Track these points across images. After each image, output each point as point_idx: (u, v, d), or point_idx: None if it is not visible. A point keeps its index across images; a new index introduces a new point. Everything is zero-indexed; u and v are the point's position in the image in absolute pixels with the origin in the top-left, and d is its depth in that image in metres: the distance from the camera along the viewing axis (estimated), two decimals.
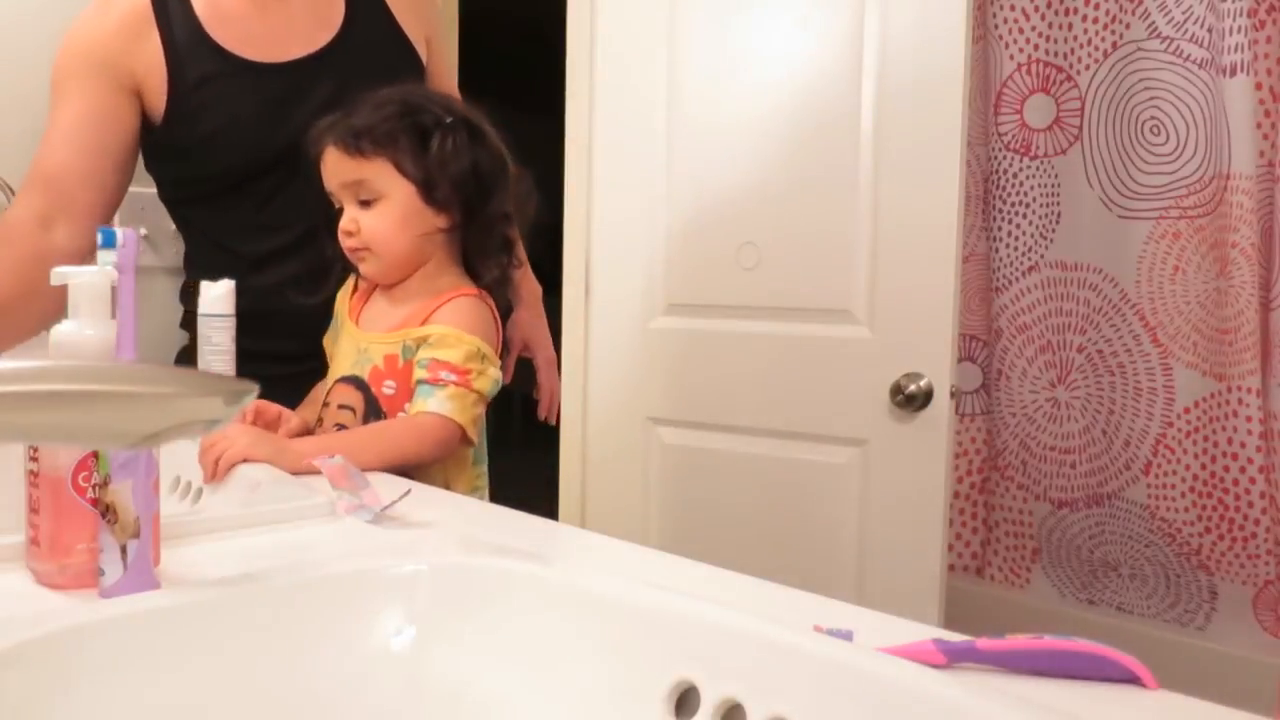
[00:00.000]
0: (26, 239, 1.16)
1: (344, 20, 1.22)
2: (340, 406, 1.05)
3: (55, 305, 0.91)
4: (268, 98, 1.18)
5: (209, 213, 1.26)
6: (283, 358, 1.15)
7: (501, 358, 1.14)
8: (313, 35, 1.21)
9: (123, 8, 1.18)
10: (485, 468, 1.10)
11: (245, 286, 1.09)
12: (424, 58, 1.28)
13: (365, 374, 1.04)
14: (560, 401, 1.54)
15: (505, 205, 1.05)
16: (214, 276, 1.11)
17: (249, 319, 1.09)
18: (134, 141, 1.21)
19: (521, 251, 1.37)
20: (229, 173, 1.21)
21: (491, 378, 1.01)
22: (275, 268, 1.21)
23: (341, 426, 1.04)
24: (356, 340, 1.07)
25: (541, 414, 1.49)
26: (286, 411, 1.07)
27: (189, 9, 1.18)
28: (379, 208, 1.02)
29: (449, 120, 1.02)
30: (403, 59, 1.26)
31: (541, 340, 1.47)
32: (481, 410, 1.01)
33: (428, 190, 1.01)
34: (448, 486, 1.01)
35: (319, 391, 1.12)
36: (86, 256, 1.21)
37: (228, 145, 1.19)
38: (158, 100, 1.17)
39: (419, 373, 0.99)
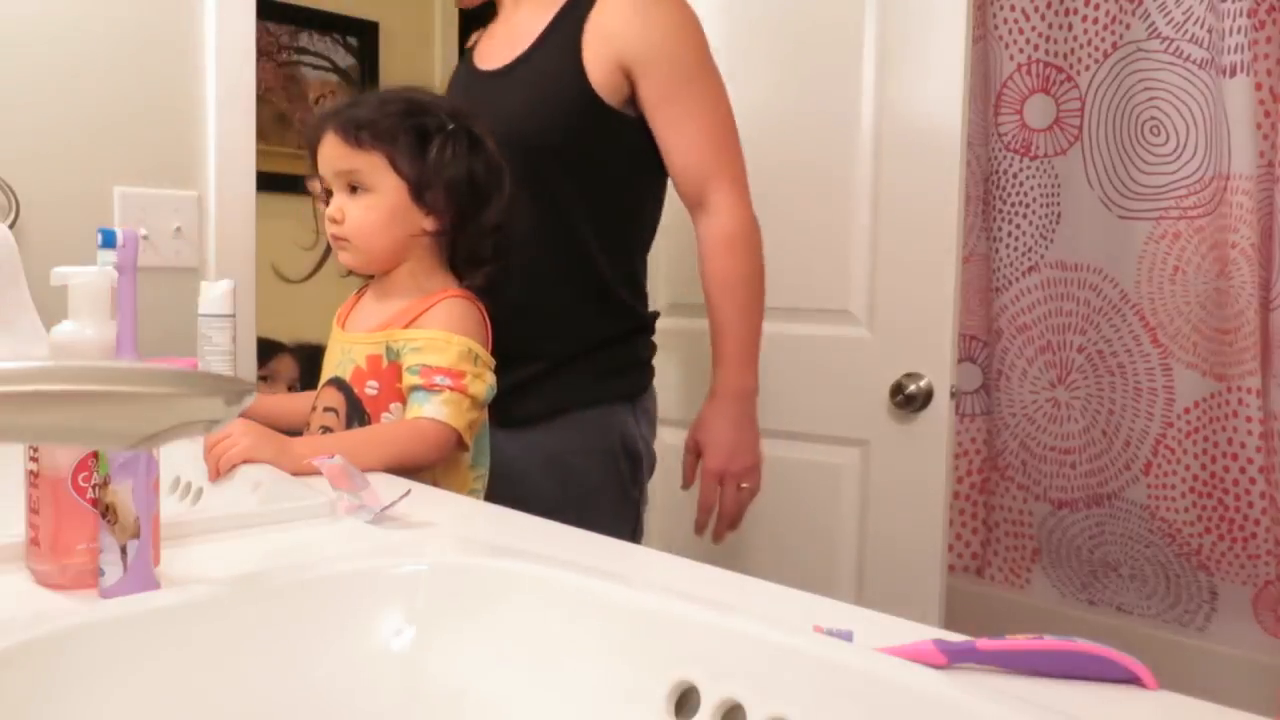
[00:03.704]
0: None
1: (534, 42, 1.27)
2: (325, 409, 1.06)
3: None
4: (469, 100, 1.29)
5: None
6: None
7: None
8: (511, 51, 1.30)
9: None
10: (485, 470, 1.10)
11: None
12: (598, 85, 1.22)
13: (348, 375, 1.04)
14: (728, 526, 1.33)
15: (499, 217, 1.06)
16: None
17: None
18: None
19: (735, 342, 1.27)
20: None
21: (487, 383, 1.01)
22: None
23: (326, 429, 1.05)
24: (341, 342, 1.08)
25: (696, 530, 1.34)
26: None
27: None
28: (367, 200, 1.03)
29: (451, 126, 1.04)
30: (562, 84, 1.23)
31: (715, 446, 1.30)
32: (477, 415, 1.01)
33: (418, 191, 1.02)
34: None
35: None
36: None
37: None
38: None
39: (411, 379, 0.98)
